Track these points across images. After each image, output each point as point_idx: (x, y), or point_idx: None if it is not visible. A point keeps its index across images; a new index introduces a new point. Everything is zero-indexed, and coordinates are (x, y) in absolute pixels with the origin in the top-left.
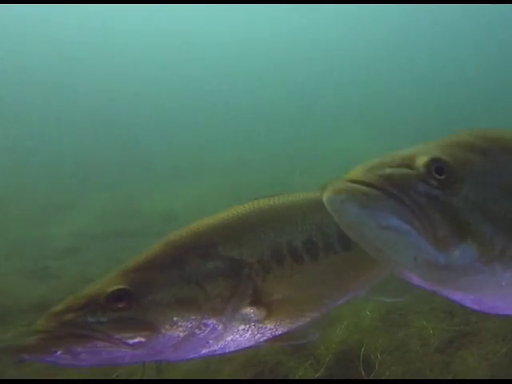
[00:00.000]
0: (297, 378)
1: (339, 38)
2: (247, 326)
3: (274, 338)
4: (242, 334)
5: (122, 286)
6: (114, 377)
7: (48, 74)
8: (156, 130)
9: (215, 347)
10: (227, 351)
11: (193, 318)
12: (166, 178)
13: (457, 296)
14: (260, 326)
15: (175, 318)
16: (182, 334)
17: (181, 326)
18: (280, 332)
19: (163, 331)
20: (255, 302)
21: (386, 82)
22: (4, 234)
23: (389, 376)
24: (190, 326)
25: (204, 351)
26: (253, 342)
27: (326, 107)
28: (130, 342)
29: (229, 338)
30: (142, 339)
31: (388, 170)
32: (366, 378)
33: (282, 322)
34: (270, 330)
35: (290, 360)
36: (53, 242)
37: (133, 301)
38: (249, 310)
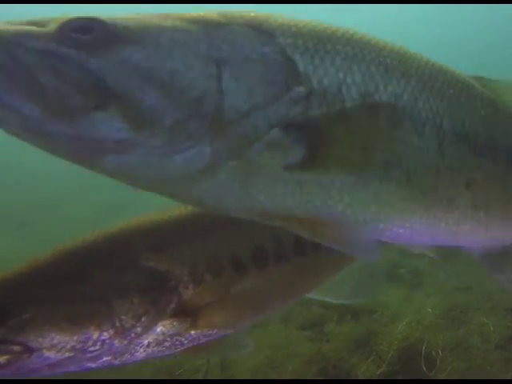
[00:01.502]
0: (359, 374)
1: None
2: (164, 338)
3: (199, 348)
4: (155, 345)
5: None
6: (178, 373)
7: None
8: None
9: (116, 361)
10: (138, 360)
11: (84, 337)
12: None
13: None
14: (181, 337)
15: (58, 338)
16: (63, 355)
17: (64, 346)
18: (204, 341)
19: (40, 352)
20: (179, 313)
21: None
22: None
23: (450, 372)
24: (78, 345)
25: (99, 365)
26: (169, 352)
27: None
28: None
29: (137, 352)
30: (13, 359)
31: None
32: (427, 374)
33: (210, 332)
34: (192, 340)
35: (353, 356)
36: None
37: (9, 318)
38: (169, 323)
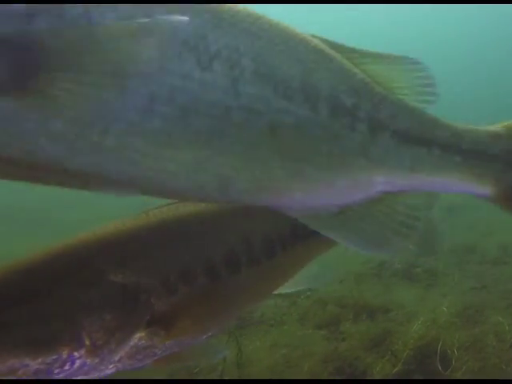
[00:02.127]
0: (375, 373)
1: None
2: (137, 350)
3: (170, 358)
4: (127, 358)
5: None
6: (195, 371)
7: None
8: None
9: (86, 377)
10: (107, 375)
11: (51, 358)
12: None
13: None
14: (155, 348)
15: (18, 364)
16: (29, 375)
17: (26, 370)
18: (177, 349)
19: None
20: (153, 325)
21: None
22: None
23: (465, 371)
24: (43, 368)
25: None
26: (141, 364)
27: None
28: None
29: (108, 367)
30: None
31: None
32: (443, 373)
33: (183, 341)
34: (165, 350)
35: (368, 356)
36: None
37: None
38: (143, 336)
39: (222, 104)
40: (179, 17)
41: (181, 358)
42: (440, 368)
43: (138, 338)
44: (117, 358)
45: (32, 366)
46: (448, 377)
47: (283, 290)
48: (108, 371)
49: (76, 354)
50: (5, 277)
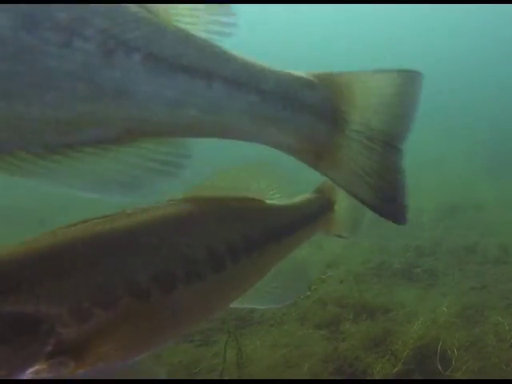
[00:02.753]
0: (375, 373)
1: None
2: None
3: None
4: None
5: None
6: (195, 371)
7: None
8: None
9: None
10: None
11: None
12: None
13: None
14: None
15: None
16: None
17: None
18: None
19: None
20: (58, 355)
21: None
22: None
23: (465, 371)
24: None
25: None
26: None
27: None
28: None
29: None
30: None
31: None
32: (443, 373)
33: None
34: (84, 375)
35: (368, 355)
36: None
37: None
38: (44, 368)
39: None
40: None
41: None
42: (440, 368)
43: (37, 370)
44: None
45: None
46: (448, 377)
47: (237, 304)
48: None
49: None
50: None
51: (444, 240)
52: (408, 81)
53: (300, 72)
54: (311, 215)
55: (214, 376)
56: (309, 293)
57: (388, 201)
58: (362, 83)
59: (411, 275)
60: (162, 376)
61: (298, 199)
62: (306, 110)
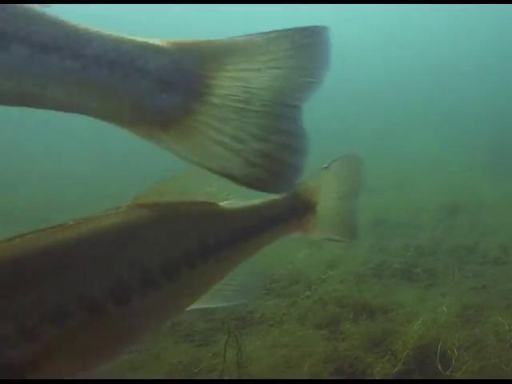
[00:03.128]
0: (375, 373)
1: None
2: None
3: None
4: None
5: None
6: (195, 371)
7: None
8: None
9: None
10: None
11: None
12: None
13: None
14: None
15: None
16: None
17: None
18: None
19: None
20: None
21: (459, 77)
22: None
23: (465, 371)
24: None
25: None
26: None
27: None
28: None
29: None
30: None
31: None
32: (443, 373)
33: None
34: None
35: (368, 355)
36: None
37: None
38: None
39: None
40: None
41: None
42: (440, 368)
43: None
44: None
45: None
46: (448, 377)
47: (198, 305)
48: None
49: None
50: None
51: (444, 240)
52: (302, 39)
53: (153, 39)
54: (274, 217)
55: (214, 376)
56: (309, 293)
57: (273, 170)
58: (240, 47)
59: (411, 275)
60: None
61: (258, 201)
62: (145, 76)
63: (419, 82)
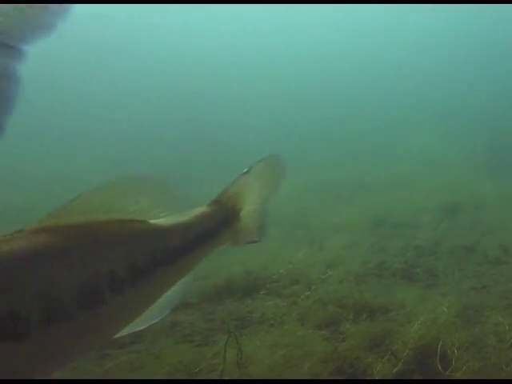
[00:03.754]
0: (375, 373)
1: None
2: None
3: None
4: None
5: None
6: (195, 371)
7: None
8: None
9: None
10: None
11: None
12: None
13: None
14: None
15: None
16: None
17: None
18: None
19: None
20: None
21: (459, 77)
22: None
23: (465, 371)
24: None
25: None
26: None
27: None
28: None
29: None
30: None
31: None
32: (443, 373)
33: None
34: None
35: (368, 355)
36: None
37: None
38: None
39: None
40: None
41: None
42: (440, 368)
43: None
44: None
45: None
46: (448, 377)
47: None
48: None
49: None
50: None
51: (444, 240)
52: None
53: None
54: (208, 231)
55: (214, 376)
56: (309, 293)
57: None
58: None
59: (411, 275)
60: None
61: (190, 216)
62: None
63: (419, 81)
